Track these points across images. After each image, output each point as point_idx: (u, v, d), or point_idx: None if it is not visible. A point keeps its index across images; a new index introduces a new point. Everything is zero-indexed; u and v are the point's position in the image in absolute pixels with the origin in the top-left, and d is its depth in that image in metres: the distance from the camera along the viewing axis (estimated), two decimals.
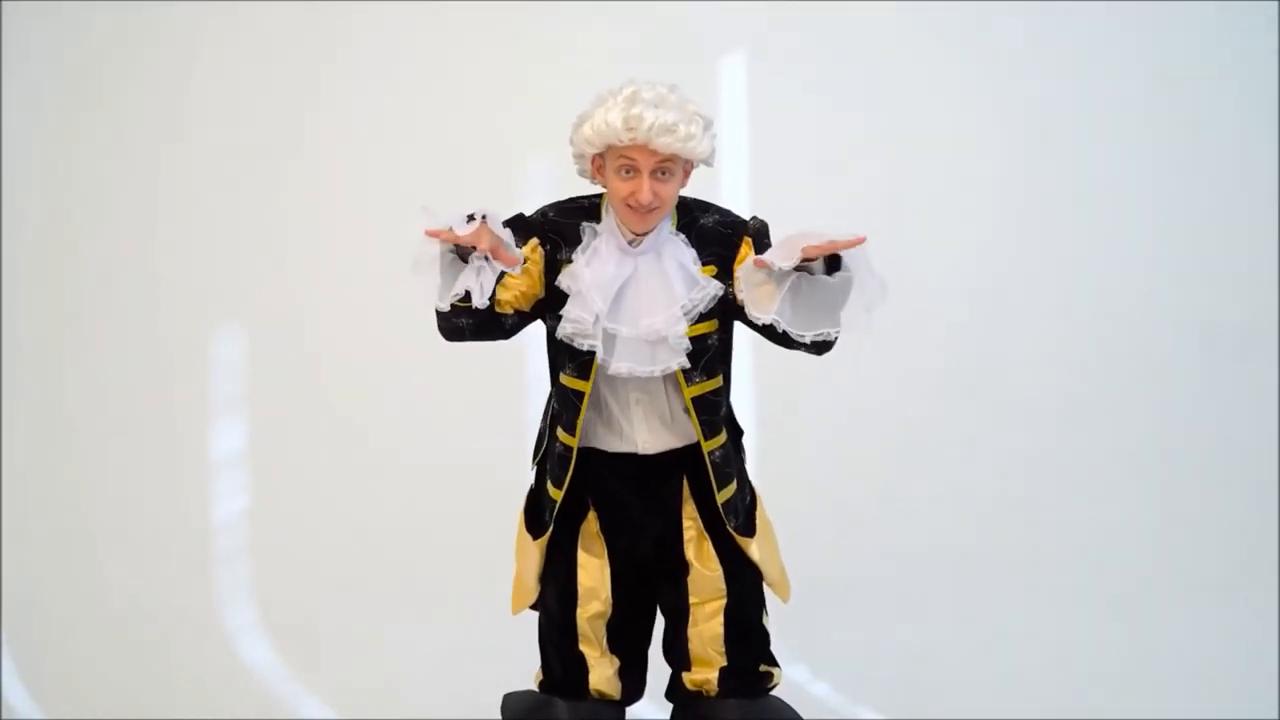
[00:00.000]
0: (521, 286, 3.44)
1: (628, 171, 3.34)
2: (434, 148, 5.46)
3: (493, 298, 3.31)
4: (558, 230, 3.48)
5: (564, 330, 3.42)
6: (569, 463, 3.50)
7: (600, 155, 3.40)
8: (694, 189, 3.58)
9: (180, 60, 5.56)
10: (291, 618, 5.24)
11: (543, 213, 3.52)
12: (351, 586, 5.31)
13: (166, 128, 5.55)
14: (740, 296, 3.38)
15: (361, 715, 4.85)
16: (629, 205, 3.36)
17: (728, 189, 5.32)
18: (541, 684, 3.71)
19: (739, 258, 3.44)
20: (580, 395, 3.45)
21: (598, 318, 3.39)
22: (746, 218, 3.52)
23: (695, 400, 3.46)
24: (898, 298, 5.26)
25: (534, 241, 3.47)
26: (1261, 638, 5.22)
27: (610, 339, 3.41)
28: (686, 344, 3.41)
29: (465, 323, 3.38)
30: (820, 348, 3.36)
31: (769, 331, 3.36)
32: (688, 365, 3.43)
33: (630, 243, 3.43)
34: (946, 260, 5.60)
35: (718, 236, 3.48)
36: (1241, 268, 5.71)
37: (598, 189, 3.50)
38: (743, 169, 5.46)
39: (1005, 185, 5.67)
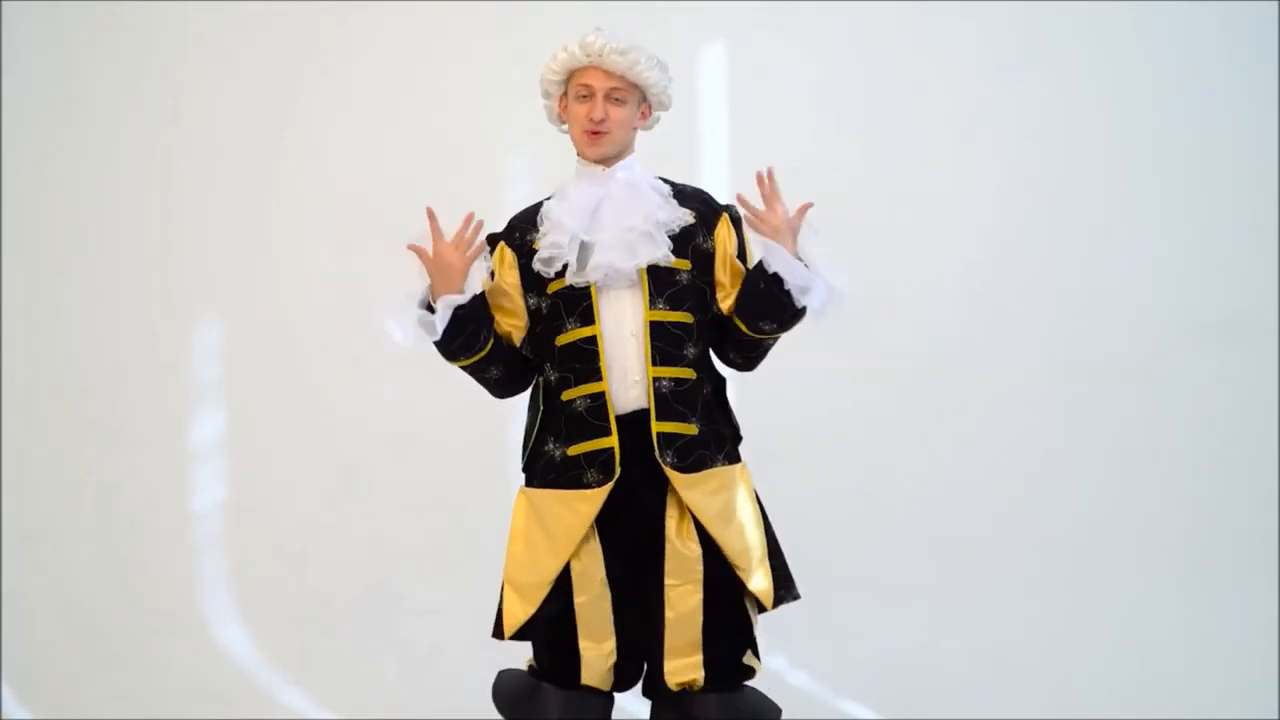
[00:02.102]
0: (510, 305, 3.57)
1: (584, 97, 3.52)
2: (415, 141, 5.50)
3: (503, 341, 3.52)
4: (523, 220, 3.61)
5: (541, 255, 3.52)
6: (605, 411, 3.49)
7: (565, 96, 3.57)
8: (676, 179, 3.67)
9: (163, 55, 5.61)
10: (271, 607, 5.27)
11: (507, 223, 3.66)
12: (330, 577, 5.33)
13: (148, 121, 5.59)
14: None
15: (340, 705, 4.87)
16: (586, 131, 3.52)
17: (708, 179, 5.31)
18: (531, 669, 3.68)
19: (717, 228, 3.58)
20: (592, 340, 3.49)
21: (573, 236, 3.50)
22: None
23: (653, 324, 3.51)
24: (885, 291, 5.35)
25: (500, 246, 3.60)
26: (1261, 636, 5.18)
27: (587, 250, 3.50)
28: (668, 242, 3.51)
29: (494, 374, 3.55)
30: (755, 355, 3.59)
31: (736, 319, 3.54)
32: (670, 259, 3.51)
33: (602, 172, 3.56)
34: (933, 254, 5.58)
35: (699, 197, 3.64)
36: (1238, 261, 5.66)
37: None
38: (722, 159, 5.48)
39: (991, 181, 5.64)
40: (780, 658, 4.87)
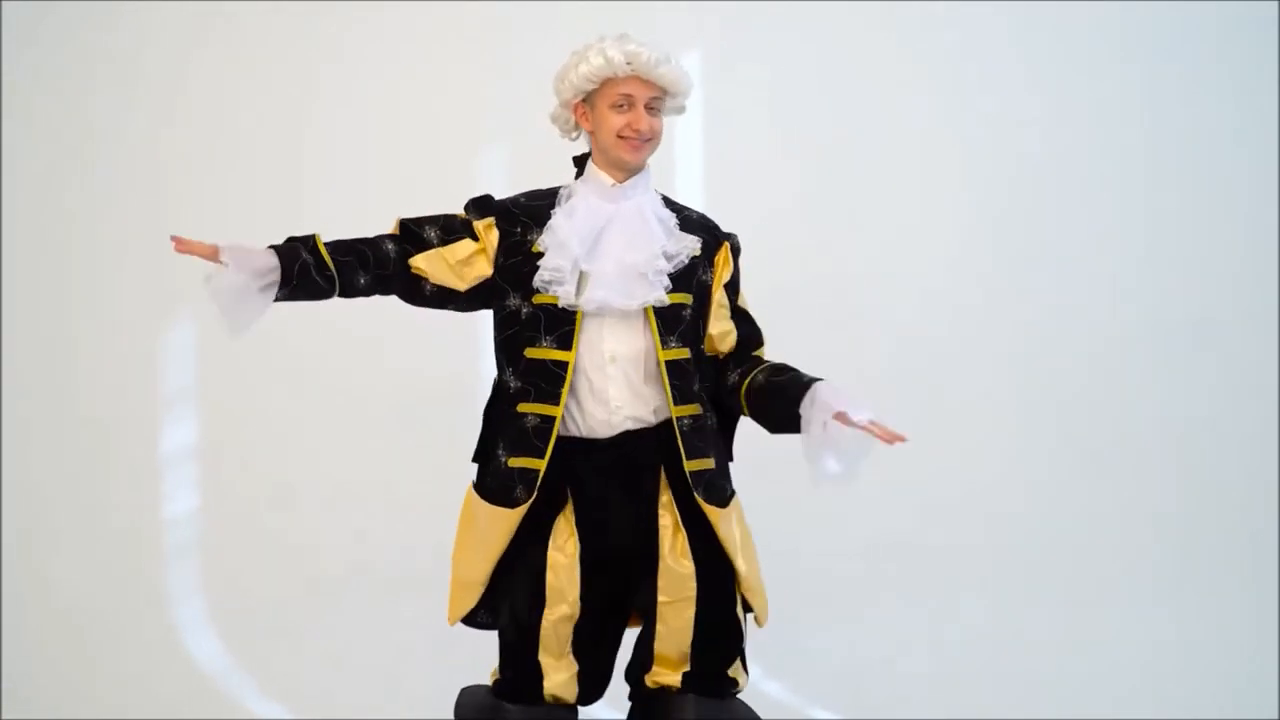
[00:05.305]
0: (455, 258, 3.56)
1: (622, 107, 3.52)
2: (390, 141, 5.50)
3: (409, 260, 3.50)
4: (529, 214, 3.59)
5: (540, 278, 3.52)
6: (549, 434, 3.52)
7: (584, 101, 3.55)
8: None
9: (145, 56, 5.59)
10: (241, 615, 5.25)
11: (513, 199, 3.63)
12: (301, 583, 5.32)
13: (118, 121, 5.57)
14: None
15: (311, 712, 4.86)
16: (622, 137, 3.53)
17: (682, 186, 5.34)
18: (496, 683, 3.70)
19: (717, 256, 3.62)
20: (564, 365, 3.51)
21: (575, 263, 3.49)
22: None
23: (669, 364, 3.54)
24: (855, 294, 5.35)
25: (489, 220, 3.57)
26: (1261, 637, 5.23)
27: (585, 277, 3.51)
28: (666, 281, 3.53)
29: (363, 280, 3.53)
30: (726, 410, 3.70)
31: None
32: (665, 301, 3.53)
33: (612, 187, 3.57)
34: (905, 256, 5.60)
35: (704, 225, 3.67)
36: (1214, 260, 5.72)
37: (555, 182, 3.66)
38: (696, 167, 5.48)
39: (964, 182, 5.68)
40: (754, 667, 4.88)
